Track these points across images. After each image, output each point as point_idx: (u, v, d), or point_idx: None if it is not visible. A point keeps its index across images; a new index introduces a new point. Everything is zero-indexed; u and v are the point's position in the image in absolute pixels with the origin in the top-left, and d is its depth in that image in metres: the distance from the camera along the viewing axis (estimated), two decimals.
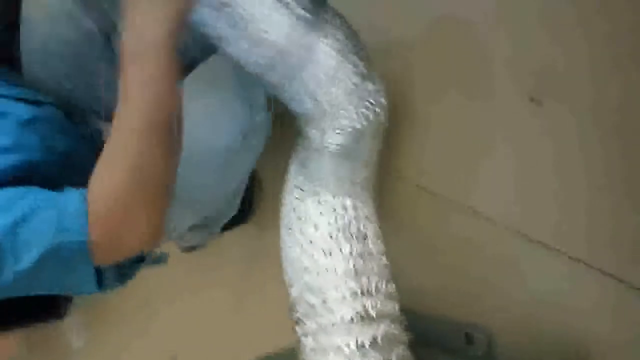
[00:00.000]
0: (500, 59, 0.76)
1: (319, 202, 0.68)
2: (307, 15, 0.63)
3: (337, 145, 0.72)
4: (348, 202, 0.68)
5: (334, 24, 0.66)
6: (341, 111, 0.72)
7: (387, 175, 0.83)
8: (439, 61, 0.81)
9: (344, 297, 0.59)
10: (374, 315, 0.57)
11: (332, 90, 0.69)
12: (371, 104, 0.71)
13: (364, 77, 0.69)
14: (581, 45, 0.70)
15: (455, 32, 0.80)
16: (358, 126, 0.72)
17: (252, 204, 1.06)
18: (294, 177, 0.75)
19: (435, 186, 0.82)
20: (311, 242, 0.65)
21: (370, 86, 0.70)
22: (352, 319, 0.57)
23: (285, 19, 0.61)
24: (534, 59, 0.73)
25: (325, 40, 0.65)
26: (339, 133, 0.72)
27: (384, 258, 0.66)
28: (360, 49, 0.69)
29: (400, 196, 0.85)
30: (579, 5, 0.69)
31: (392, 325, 0.59)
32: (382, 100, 0.72)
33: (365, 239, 0.65)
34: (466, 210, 0.79)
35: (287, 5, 0.61)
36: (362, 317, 0.57)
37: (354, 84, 0.69)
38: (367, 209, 0.70)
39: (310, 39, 0.64)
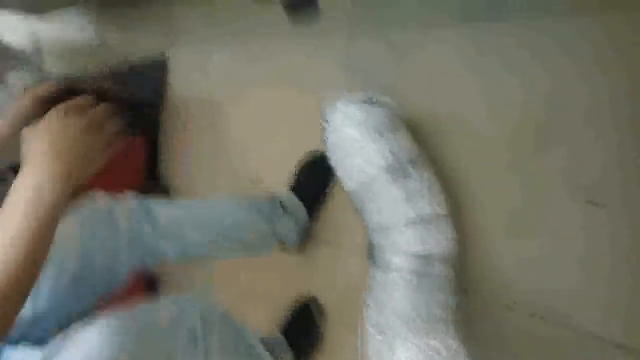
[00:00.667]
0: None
1: (405, 347, 0.66)
2: (395, 165, 0.74)
3: (410, 272, 0.72)
4: (433, 342, 0.67)
5: (420, 175, 0.75)
6: (412, 237, 0.73)
7: (465, 293, 0.80)
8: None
9: None
10: None
11: (405, 215, 0.73)
12: (441, 233, 0.73)
13: (435, 213, 0.73)
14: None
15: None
16: (430, 252, 0.73)
17: (317, 332, 0.99)
18: (372, 318, 0.73)
19: (516, 298, 0.78)
20: None
21: (441, 220, 0.74)
22: None
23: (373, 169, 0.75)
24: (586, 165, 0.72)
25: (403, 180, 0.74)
26: (410, 258, 0.73)
27: None
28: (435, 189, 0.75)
29: (484, 312, 0.81)
30: None
31: None
32: (451, 230, 0.75)
33: None
34: (556, 320, 0.74)
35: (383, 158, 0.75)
36: None
37: (424, 216, 0.72)
38: (452, 344, 0.68)
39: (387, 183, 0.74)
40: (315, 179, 1.02)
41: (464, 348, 0.68)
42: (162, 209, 0.84)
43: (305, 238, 1.03)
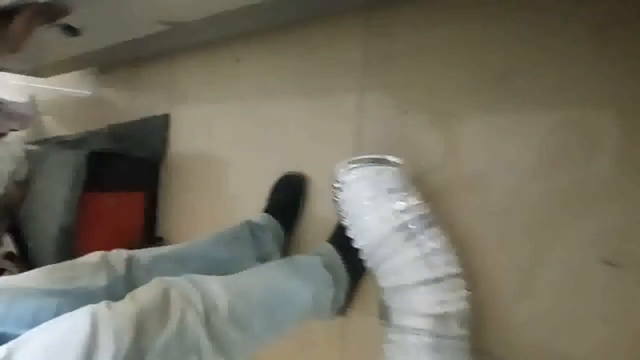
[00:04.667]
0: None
1: None
2: (407, 224, 0.75)
3: (428, 333, 0.72)
4: None
5: (432, 234, 0.76)
6: (428, 296, 0.73)
7: (480, 353, 0.80)
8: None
9: None
10: None
11: (422, 275, 0.73)
12: (455, 291, 0.74)
13: (449, 272, 0.74)
14: None
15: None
16: (446, 311, 0.73)
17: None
18: None
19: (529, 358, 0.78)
20: None
21: (454, 279, 0.74)
22: None
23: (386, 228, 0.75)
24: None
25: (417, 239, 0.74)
26: (427, 318, 0.72)
27: None
28: (448, 248, 0.76)
29: None
30: None
31: None
32: (464, 288, 0.75)
33: None
34: None
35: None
36: None
37: (439, 276, 0.73)
38: None
39: (401, 242, 0.74)
40: (287, 196, 1.09)
41: None
42: (143, 252, 0.88)
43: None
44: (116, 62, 1.76)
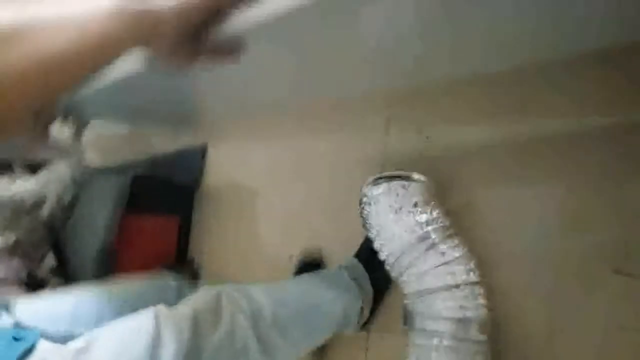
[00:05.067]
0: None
1: None
2: (431, 235, 0.82)
3: (450, 336, 0.77)
4: None
5: (454, 244, 0.82)
6: (451, 302, 0.78)
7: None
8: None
9: None
10: None
11: (444, 282, 0.78)
12: (476, 298, 0.79)
13: (470, 280, 0.80)
14: None
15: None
16: (467, 316, 0.77)
17: None
18: None
19: None
20: None
21: (475, 286, 0.79)
22: None
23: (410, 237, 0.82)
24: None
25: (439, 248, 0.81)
26: (449, 322, 0.77)
27: None
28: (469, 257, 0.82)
29: None
30: None
31: None
32: (484, 296, 0.80)
33: None
34: None
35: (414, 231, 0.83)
36: None
37: (461, 283, 0.78)
38: None
39: (423, 251, 0.81)
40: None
41: None
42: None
43: None
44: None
